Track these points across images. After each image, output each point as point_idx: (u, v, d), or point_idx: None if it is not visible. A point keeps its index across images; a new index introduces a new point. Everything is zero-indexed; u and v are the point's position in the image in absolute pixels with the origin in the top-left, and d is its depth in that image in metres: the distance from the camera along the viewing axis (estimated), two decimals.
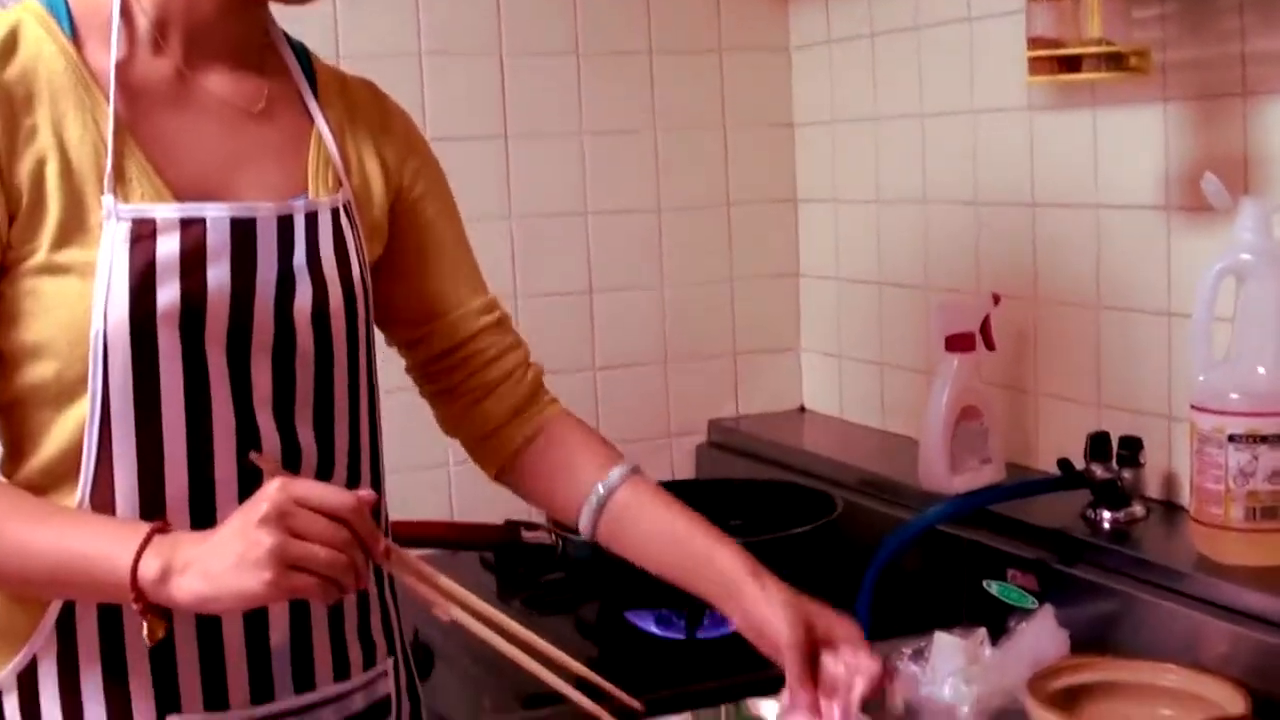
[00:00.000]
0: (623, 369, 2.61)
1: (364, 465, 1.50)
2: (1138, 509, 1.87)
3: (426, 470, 2.42)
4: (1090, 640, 1.72)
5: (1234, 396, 1.66)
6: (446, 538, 2.18)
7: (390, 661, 1.54)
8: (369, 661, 1.51)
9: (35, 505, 1.31)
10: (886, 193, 2.48)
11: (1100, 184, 2.02)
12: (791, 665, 1.44)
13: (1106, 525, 1.86)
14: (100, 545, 1.26)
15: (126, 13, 1.37)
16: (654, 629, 1.98)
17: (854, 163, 2.56)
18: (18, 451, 1.37)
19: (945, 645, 1.68)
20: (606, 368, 2.60)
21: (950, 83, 2.29)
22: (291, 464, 1.40)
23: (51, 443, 1.34)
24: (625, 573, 1.96)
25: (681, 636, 1.96)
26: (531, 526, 2.23)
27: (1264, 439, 1.64)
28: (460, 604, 1.39)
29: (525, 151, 2.53)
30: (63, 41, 1.34)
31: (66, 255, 1.31)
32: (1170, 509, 1.91)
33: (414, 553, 1.39)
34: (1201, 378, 1.69)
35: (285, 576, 1.21)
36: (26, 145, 1.31)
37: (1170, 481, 1.92)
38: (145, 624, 1.25)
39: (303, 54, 1.55)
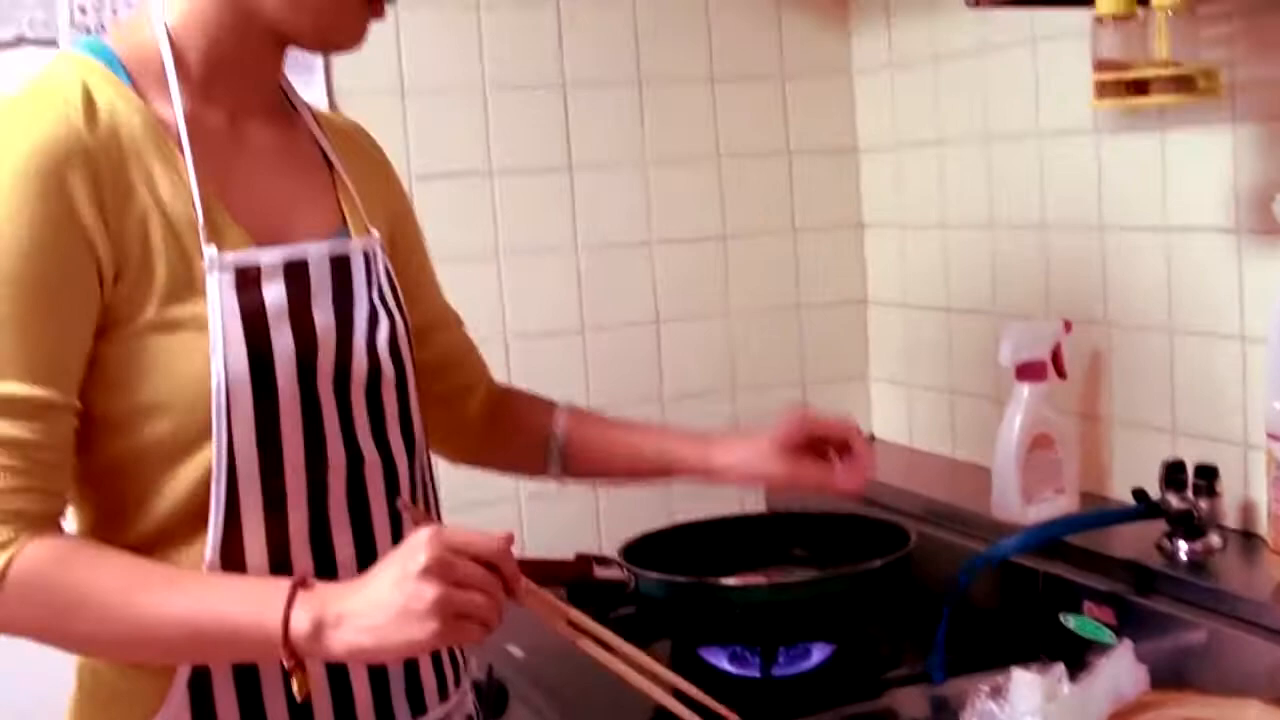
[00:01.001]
0: (691, 399, 2.60)
1: (431, 484, 1.55)
2: (1214, 539, 1.84)
3: (496, 505, 2.42)
4: (1170, 675, 1.69)
5: None
6: None
7: (468, 679, 1.59)
8: (457, 679, 1.54)
9: (162, 573, 1.30)
10: (952, 217, 2.46)
11: (1169, 206, 1.99)
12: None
13: (1183, 556, 1.84)
14: (243, 605, 1.27)
15: (179, 62, 1.38)
16: (728, 666, 1.97)
17: (919, 187, 2.55)
18: (113, 518, 1.35)
19: (1023, 682, 1.65)
20: (675, 398, 2.59)
21: (1015, 105, 2.27)
22: (391, 490, 1.44)
23: (165, 501, 1.33)
24: (698, 609, 1.97)
25: (756, 674, 1.94)
26: (603, 561, 2.22)
27: None
28: (588, 634, 1.43)
29: (589, 183, 2.54)
30: (130, 95, 1.34)
31: (176, 311, 1.31)
32: (1248, 539, 1.88)
33: None
34: (1278, 404, 1.66)
35: (452, 626, 1.24)
36: (128, 204, 1.30)
37: (1248, 510, 1.89)
38: (295, 680, 1.26)
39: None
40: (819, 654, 1.97)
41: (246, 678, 1.36)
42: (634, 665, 1.47)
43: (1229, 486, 1.87)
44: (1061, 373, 2.08)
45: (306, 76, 2.26)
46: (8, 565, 1.25)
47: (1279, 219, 1.68)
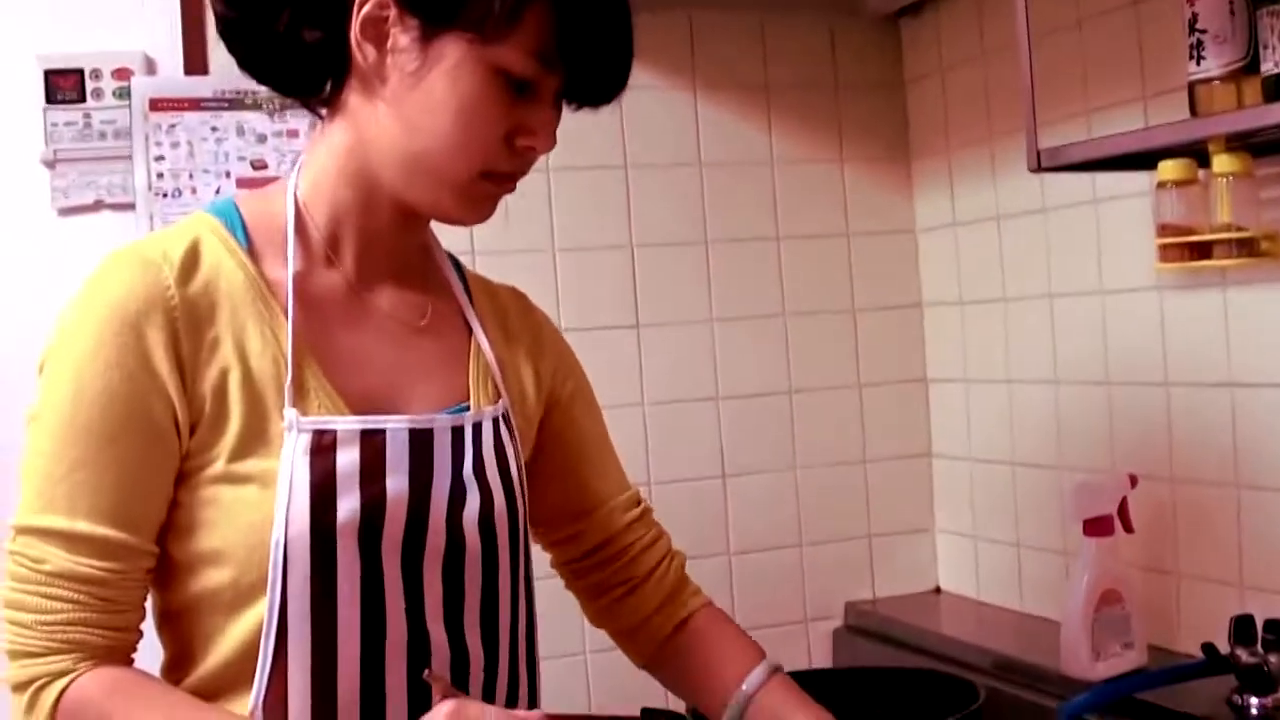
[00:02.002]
0: (758, 553, 2.63)
1: (522, 663, 1.52)
2: None
3: (563, 659, 2.43)
4: None
5: None
6: None
7: None
8: None
9: (195, 714, 1.32)
10: (1017, 373, 2.49)
11: (1233, 362, 2.01)
12: None
13: (1254, 712, 1.82)
14: None
15: (301, 227, 1.42)
16: None
17: (983, 342, 2.58)
18: (185, 657, 1.39)
19: None
20: (741, 552, 2.61)
21: (1077, 263, 2.30)
22: (460, 669, 1.42)
23: (223, 648, 1.36)
24: None
25: None
26: (669, 717, 2.22)
27: None
28: None
29: (657, 339, 2.58)
30: (240, 255, 1.38)
31: (247, 465, 1.34)
32: None
33: None
34: None
35: None
36: (210, 357, 1.34)
37: None
38: None
39: (455, 264, 1.60)
40: None
41: None
42: None
43: None
44: (1128, 527, 2.09)
45: None
46: (63, 692, 1.30)
47: None
